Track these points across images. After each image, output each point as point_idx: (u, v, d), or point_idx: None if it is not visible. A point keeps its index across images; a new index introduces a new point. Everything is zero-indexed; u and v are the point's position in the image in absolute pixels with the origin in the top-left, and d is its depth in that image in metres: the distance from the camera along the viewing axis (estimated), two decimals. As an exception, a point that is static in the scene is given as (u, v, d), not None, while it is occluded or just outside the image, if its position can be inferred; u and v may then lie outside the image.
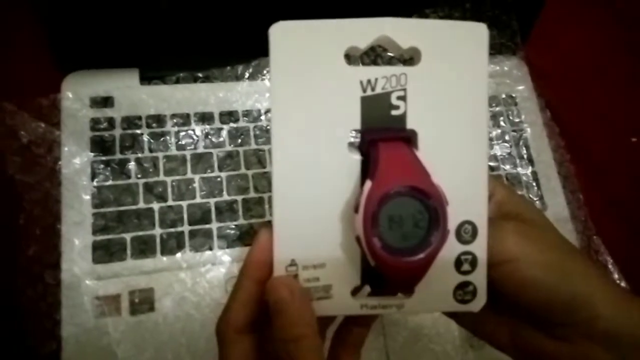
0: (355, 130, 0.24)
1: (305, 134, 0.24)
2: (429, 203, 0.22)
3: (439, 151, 0.24)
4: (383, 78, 0.24)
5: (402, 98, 0.24)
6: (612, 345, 0.24)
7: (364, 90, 0.24)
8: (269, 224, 0.24)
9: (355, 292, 0.25)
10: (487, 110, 0.25)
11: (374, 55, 0.23)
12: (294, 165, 0.24)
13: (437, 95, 0.24)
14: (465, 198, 0.24)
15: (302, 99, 0.24)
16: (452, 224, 0.24)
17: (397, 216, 0.22)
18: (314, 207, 0.24)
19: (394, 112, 0.24)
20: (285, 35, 0.23)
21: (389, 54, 0.25)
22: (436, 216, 0.22)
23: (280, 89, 0.24)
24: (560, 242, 0.26)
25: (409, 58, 0.24)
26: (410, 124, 0.24)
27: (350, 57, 0.24)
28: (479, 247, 0.24)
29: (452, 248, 0.24)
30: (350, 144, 0.24)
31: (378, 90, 0.24)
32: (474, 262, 0.24)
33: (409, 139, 0.24)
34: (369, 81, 0.24)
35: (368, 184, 0.23)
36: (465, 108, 0.24)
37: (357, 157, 0.24)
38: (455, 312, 0.25)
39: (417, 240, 0.23)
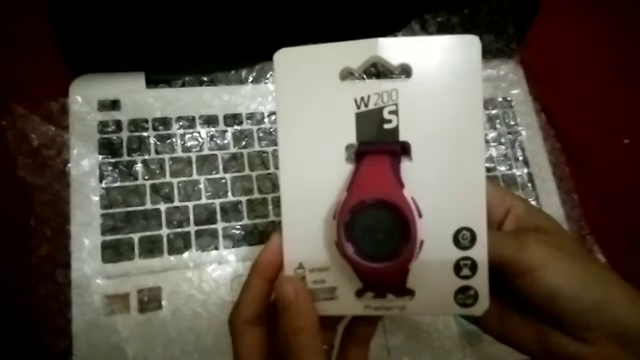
0: (349, 145, 0.26)
1: (309, 149, 0.26)
2: (398, 215, 0.24)
3: (433, 161, 0.25)
4: (375, 95, 0.26)
5: (394, 112, 0.26)
6: (633, 346, 0.25)
7: (358, 107, 0.26)
8: (280, 229, 0.26)
9: (359, 293, 0.26)
10: (482, 118, 0.26)
11: (372, 71, 0.25)
12: (300, 177, 0.26)
13: (428, 108, 0.25)
14: (462, 205, 0.25)
15: (304, 117, 0.26)
16: (449, 230, 0.25)
17: (371, 225, 0.24)
18: (318, 215, 0.26)
19: (386, 126, 0.26)
20: (288, 61, 0.26)
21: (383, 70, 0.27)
22: (405, 227, 0.24)
23: (284, 108, 0.26)
24: (579, 250, 0.28)
25: (403, 73, 0.26)
26: (403, 137, 0.26)
27: (347, 76, 0.26)
28: (479, 253, 0.25)
29: (450, 253, 0.25)
30: (348, 157, 0.26)
31: (371, 106, 0.26)
32: (473, 267, 0.25)
33: (396, 151, 0.25)
34: (362, 98, 0.26)
35: (344, 194, 0.25)
36: (459, 118, 0.26)
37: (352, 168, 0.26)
38: (458, 314, 0.26)
39: (390, 249, 0.24)
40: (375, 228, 0.24)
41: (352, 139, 0.26)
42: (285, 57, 0.26)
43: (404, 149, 0.26)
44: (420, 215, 0.25)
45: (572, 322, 0.26)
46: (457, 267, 0.26)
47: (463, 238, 0.25)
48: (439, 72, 0.25)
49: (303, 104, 0.26)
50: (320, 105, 0.26)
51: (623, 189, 0.57)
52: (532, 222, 0.28)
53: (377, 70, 0.26)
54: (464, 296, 0.26)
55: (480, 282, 0.25)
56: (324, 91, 0.26)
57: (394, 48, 0.25)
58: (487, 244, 0.25)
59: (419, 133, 0.25)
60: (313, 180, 0.26)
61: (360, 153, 0.25)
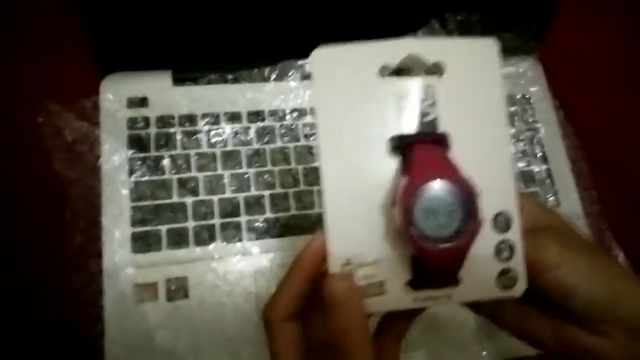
0: (394, 137, 0.27)
1: (351, 144, 0.26)
2: (461, 194, 0.25)
3: (470, 150, 0.27)
4: (414, 90, 0.27)
5: (432, 105, 0.27)
6: None
7: (399, 101, 0.27)
8: (321, 226, 0.26)
9: (409, 285, 0.26)
10: (505, 113, 0.27)
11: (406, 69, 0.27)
12: (344, 172, 0.26)
13: (462, 102, 0.27)
14: (497, 190, 0.27)
15: (345, 113, 0.27)
16: (488, 214, 0.26)
17: (432, 208, 0.25)
18: (366, 208, 0.26)
19: (426, 118, 0.27)
20: (326, 59, 0.27)
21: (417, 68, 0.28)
22: (469, 206, 0.25)
23: (325, 105, 0.27)
24: (592, 246, 0.29)
25: (435, 71, 0.27)
26: (441, 128, 0.27)
27: (384, 73, 0.27)
28: (515, 235, 0.27)
29: (490, 237, 0.27)
30: (391, 149, 0.27)
31: (411, 100, 0.27)
32: (511, 249, 0.27)
33: (440, 140, 0.26)
34: (402, 93, 0.27)
35: (403, 179, 0.25)
36: (486, 112, 0.27)
37: (396, 160, 0.27)
38: (498, 299, 0.27)
39: (452, 230, 0.24)
40: (437, 210, 0.24)
41: (394, 131, 0.27)
42: (323, 56, 0.27)
43: (445, 139, 0.27)
44: (479, 194, 0.25)
45: (589, 316, 0.26)
46: (498, 250, 0.27)
47: (501, 222, 0.27)
48: (466, 70, 0.27)
49: (343, 100, 0.27)
50: (361, 101, 0.27)
51: (642, 185, 0.57)
52: (545, 220, 0.29)
53: (408, 67, 0.27)
54: (505, 278, 0.27)
55: (518, 263, 0.27)
56: (365, 87, 0.27)
57: (429, 47, 0.27)
58: None
59: (455, 125, 0.27)
60: (358, 175, 0.26)
61: (408, 143, 0.26)
